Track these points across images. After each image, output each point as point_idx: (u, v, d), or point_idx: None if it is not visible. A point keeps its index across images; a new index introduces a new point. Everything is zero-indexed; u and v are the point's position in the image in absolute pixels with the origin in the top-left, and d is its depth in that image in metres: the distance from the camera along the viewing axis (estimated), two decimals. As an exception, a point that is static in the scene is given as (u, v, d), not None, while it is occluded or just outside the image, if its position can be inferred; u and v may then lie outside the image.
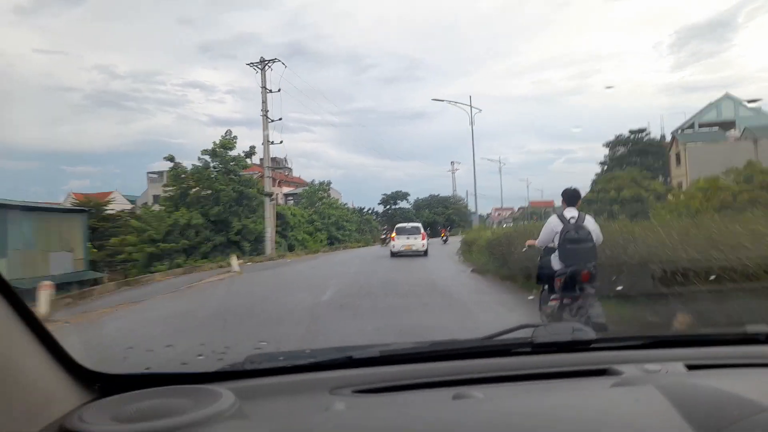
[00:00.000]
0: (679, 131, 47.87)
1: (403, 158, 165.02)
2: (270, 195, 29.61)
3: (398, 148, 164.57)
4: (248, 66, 29.72)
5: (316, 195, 49.50)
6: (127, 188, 60.20)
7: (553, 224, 5.53)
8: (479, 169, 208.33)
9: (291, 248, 37.62)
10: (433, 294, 10.30)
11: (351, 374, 1.37)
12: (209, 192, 32.22)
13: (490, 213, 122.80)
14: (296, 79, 73.70)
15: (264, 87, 29.44)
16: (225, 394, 1.11)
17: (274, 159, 33.60)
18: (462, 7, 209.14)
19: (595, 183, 37.87)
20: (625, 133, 48.83)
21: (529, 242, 6.58)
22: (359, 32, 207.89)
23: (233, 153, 32.81)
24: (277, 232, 35.08)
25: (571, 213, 5.50)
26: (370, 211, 64.76)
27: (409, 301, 8.91)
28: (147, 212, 32.50)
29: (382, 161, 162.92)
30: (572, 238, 5.29)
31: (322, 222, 46.11)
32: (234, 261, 18.53)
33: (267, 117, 29.64)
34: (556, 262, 5.47)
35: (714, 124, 46.00)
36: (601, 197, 30.27)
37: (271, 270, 19.17)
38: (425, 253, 24.24)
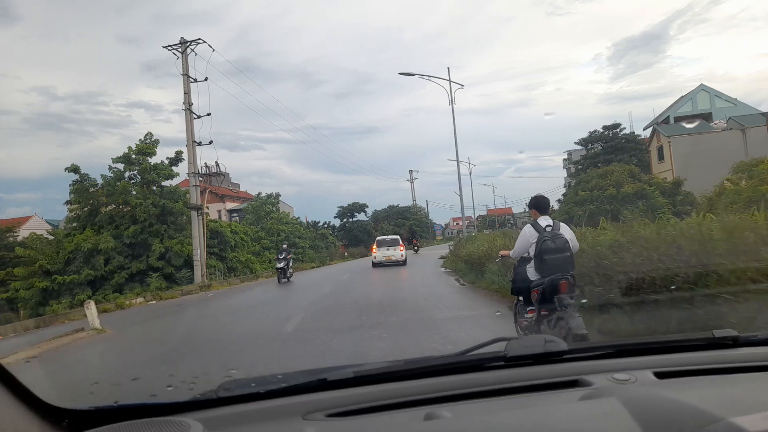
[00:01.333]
0: (654, 126, 44.79)
1: (359, 172, 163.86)
2: (198, 208, 23.70)
3: (353, 163, 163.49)
4: (165, 49, 23.85)
5: (263, 209, 43.65)
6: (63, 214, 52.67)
7: (528, 234, 5.33)
8: (435, 180, 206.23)
9: (232, 272, 31.84)
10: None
11: (324, 397, 1.34)
12: (127, 209, 26.11)
13: (449, 223, 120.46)
14: (247, 96, 68.04)
15: (186, 75, 23.68)
16: (193, 425, 1.10)
17: (212, 172, 27.70)
18: (410, 22, 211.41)
19: (579, 183, 33.61)
20: (572, 143, 45.99)
21: (502, 253, 6.34)
22: (309, 48, 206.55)
23: (154, 160, 26.88)
24: (213, 253, 29.17)
25: (546, 221, 5.31)
26: (325, 225, 59.11)
27: None
28: (37, 237, 25.83)
29: (337, 176, 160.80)
30: (549, 248, 5.06)
31: (271, 240, 40.32)
32: (91, 312, 10.75)
33: (191, 111, 23.85)
34: (532, 273, 5.29)
35: (690, 117, 43.10)
36: (596, 195, 25.91)
37: (162, 320, 12.48)
38: (404, 262, 25.70)
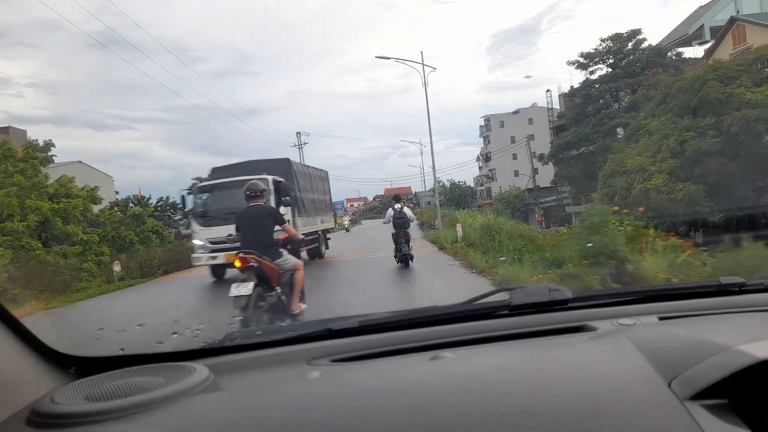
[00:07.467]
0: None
1: (243, 155, 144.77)
2: None
3: (236, 145, 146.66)
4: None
5: (-1, 167, 21.23)
6: None
7: (390, 212, 12.68)
8: (323, 165, 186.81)
9: None
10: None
11: (329, 345, 1.35)
12: None
13: (342, 202, 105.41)
14: (113, 71, 43.29)
15: None
16: (198, 369, 1.11)
17: None
18: (289, 2, 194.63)
19: (662, 102, 15.90)
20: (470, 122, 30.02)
21: (383, 221, 14.27)
22: (183, 22, 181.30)
23: None
24: None
25: (398, 205, 12.60)
26: (161, 202, 36.68)
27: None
28: None
29: (219, 159, 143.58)
30: (397, 217, 12.38)
31: (0, 230, 18.63)
32: None
33: None
34: (391, 229, 12.65)
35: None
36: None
37: None
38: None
